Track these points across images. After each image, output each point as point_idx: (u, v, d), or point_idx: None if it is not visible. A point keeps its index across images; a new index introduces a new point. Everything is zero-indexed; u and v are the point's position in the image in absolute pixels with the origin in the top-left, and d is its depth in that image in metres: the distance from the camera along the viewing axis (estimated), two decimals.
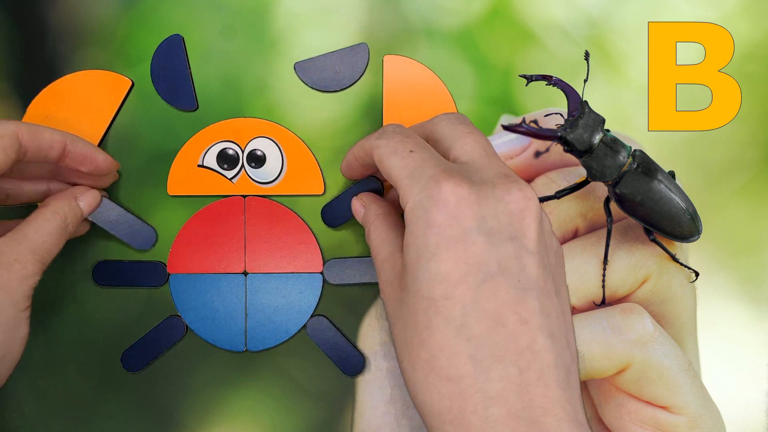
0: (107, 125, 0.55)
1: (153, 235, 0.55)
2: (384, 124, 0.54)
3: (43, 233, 0.49)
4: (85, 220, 0.53)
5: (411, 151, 0.46)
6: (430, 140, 0.48)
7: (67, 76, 0.54)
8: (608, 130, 0.48)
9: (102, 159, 0.52)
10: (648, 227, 0.49)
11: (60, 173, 0.53)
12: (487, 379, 0.41)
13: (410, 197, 0.44)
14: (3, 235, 0.49)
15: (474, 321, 0.42)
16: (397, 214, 0.50)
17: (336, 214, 0.55)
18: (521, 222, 0.44)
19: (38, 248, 0.49)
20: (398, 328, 0.44)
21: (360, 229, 0.55)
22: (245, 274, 0.55)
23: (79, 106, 0.54)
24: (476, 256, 0.42)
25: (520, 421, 0.41)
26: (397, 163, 0.46)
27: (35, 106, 0.54)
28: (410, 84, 0.54)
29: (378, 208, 0.50)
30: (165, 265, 0.55)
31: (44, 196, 0.53)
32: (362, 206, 0.52)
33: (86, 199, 0.52)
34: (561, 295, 0.45)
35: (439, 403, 0.42)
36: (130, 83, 0.55)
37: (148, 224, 0.55)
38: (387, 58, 0.54)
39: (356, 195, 0.52)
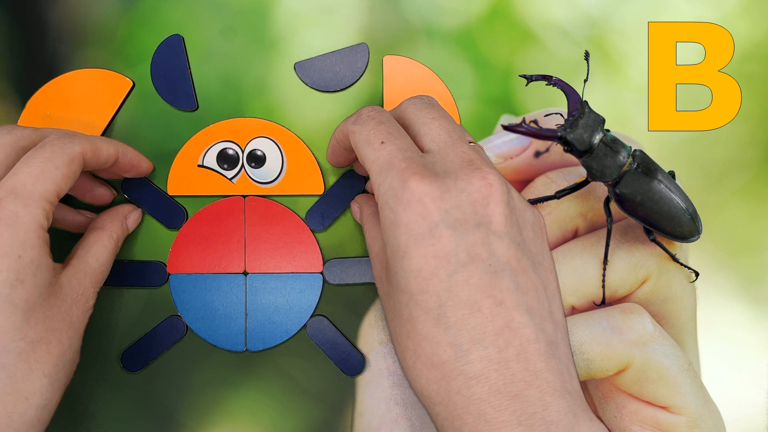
0: (106, 125, 0.55)
1: (183, 214, 0.55)
2: None
3: (102, 261, 0.51)
4: (140, 213, 0.55)
5: (382, 142, 0.46)
6: (401, 124, 0.49)
7: (68, 74, 0.54)
8: (608, 130, 0.48)
9: (146, 166, 0.54)
10: (648, 227, 0.49)
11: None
12: (466, 361, 0.43)
13: (379, 195, 0.45)
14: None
15: (450, 310, 0.43)
16: None
17: (325, 214, 0.55)
18: (486, 209, 0.44)
19: (99, 279, 0.50)
20: (389, 320, 0.46)
21: (359, 229, 0.55)
22: (245, 274, 0.55)
23: (78, 105, 0.54)
24: (444, 249, 0.43)
25: (501, 396, 0.42)
26: (369, 155, 0.46)
27: (34, 103, 0.54)
28: (410, 84, 0.54)
29: (369, 208, 0.51)
30: (165, 265, 0.55)
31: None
32: (358, 207, 0.53)
33: (133, 218, 0.54)
34: (541, 267, 0.46)
35: (428, 387, 0.44)
36: (131, 83, 0.55)
37: (179, 204, 0.55)
38: (387, 59, 0.54)
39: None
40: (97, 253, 0.51)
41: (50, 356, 0.46)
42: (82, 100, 0.54)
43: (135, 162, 0.53)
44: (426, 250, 0.44)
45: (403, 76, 0.54)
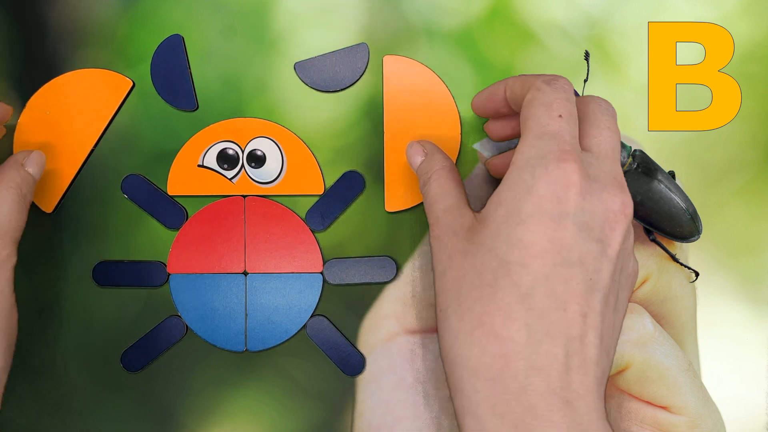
0: (106, 125, 0.55)
1: (183, 214, 0.55)
2: (384, 125, 0.54)
3: (5, 211, 0.49)
4: (41, 155, 0.52)
5: (560, 115, 0.45)
6: (578, 114, 0.48)
7: (69, 74, 0.54)
8: None
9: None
10: (648, 227, 0.49)
11: None
12: (535, 350, 0.42)
13: (525, 156, 0.44)
14: None
15: (539, 296, 0.43)
16: (458, 171, 0.50)
17: (325, 214, 0.55)
18: (612, 230, 0.44)
19: (6, 227, 0.48)
20: (452, 278, 0.45)
21: (359, 229, 0.55)
22: (245, 274, 0.55)
23: (78, 104, 0.54)
24: (563, 240, 0.43)
25: (556, 398, 0.42)
26: (540, 116, 0.45)
27: (35, 102, 0.54)
28: (410, 84, 0.54)
29: (444, 160, 0.50)
30: (165, 265, 0.55)
31: None
32: (423, 153, 0.51)
33: (33, 164, 0.51)
34: (618, 313, 0.45)
35: (480, 359, 0.43)
36: (131, 83, 0.55)
37: (179, 204, 0.55)
38: (387, 59, 0.54)
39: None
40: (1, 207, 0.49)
41: None
42: (82, 100, 0.54)
43: None
44: (546, 231, 0.43)
45: (403, 76, 0.54)
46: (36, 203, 0.54)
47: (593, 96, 0.48)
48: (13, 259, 0.48)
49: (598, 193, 0.44)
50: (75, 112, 0.54)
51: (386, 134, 0.54)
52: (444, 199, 0.48)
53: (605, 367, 0.44)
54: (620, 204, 0.44)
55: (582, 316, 0.43)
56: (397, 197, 0.54)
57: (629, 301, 0.49)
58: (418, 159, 0.51)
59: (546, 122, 0.45)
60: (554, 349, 0.42)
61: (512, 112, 0.50)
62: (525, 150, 0.44)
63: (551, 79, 0.47)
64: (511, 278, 0.43)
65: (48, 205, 0.55)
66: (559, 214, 0.43)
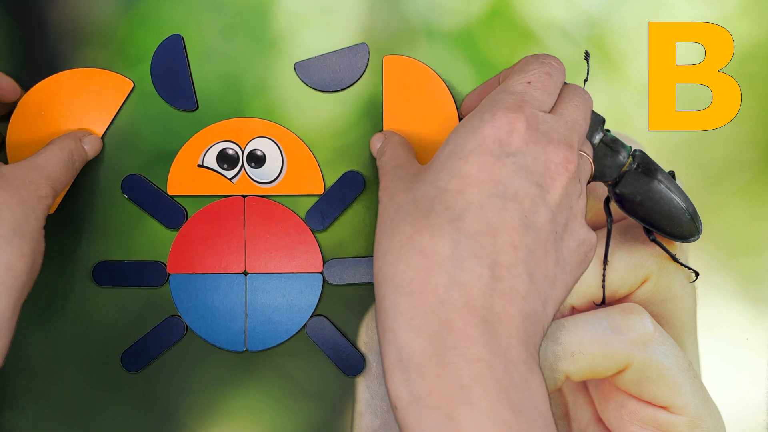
0: (106, 126, 0.55)
1: (183, 214, 0.55)
2: (384, 124, 0.54)
3: (52, 163, 0.51)
4: (100, 140, 0.55)
5: (529, 82, 0.47)
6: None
7: (65, 73, 0.54)
8: (608, 130, 0.48)
9: (5, 82, 0.54)
10: (648, 227, 0.49)
11: None
12: (459, 266, 0.42)
13: (480, 105, 0.46)
14: None
15: (471, 219, 0.43)
16: (413, 147, 0.52)
17: (325, 214, 0.55)
18: (552, 180, 0.44)
19: (50, 174, 0.50)
20: (391, 210, 0.45)
21: (359, 229, 0.55)
22: (245, 274, 0.55)
23: (77, 104, 0.54)
24: (500, 175, 0.43)
25: (475, 315, 0.41)
26: (511, 78, 0.47)
27: (29, 99, 0.54)
28: (411, 84, 0.54)
29: (399, 137, 0.52)
30: (165, 265, 0.55)
31: None
32: (383, 136, 0.53)
33: (90, 143, 0.54)
34: (560, 269, 0.45)
35: (403, 274, 0.43)
36: (132, 84, 0.55)
37: (179, 204, 0.55)
38: (387, 58, 0.54)
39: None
40: (45, 156, 0.51)
41: (3, 221, 0.47)
42: (80, 101, 0.54)
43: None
44: (484, 165, 0.44)
45: (403, 76, 0.54)
46: None
47: (576, 85, 0.49)
48: (49, 201, 0.50)
49: (542, 144, 0.44)
50: (73, 113, 0.54)
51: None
52: (395, 159, 0.49)
53: (536, 310, 0.43)
54: (563, 158, 0.45)
55: (512, 247, 0.43)
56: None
57: (630, 301, 0.49)
58: (377, 144, 0.53)
59: (513, 83, 0.46)
60: (478, 268, 0.42)
61: None
62: (485, 101, 0.46)
63: (543, 56, 0.48)
64: (446, 203, 0.43)
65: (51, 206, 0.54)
66: (499, 153, 0.44)
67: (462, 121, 0.46)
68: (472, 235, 0.42)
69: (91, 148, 0.54)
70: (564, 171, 0.44)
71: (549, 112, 0.46)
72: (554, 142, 0.44)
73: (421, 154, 0.54)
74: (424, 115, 0.54)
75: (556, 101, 0.47)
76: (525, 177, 0.44)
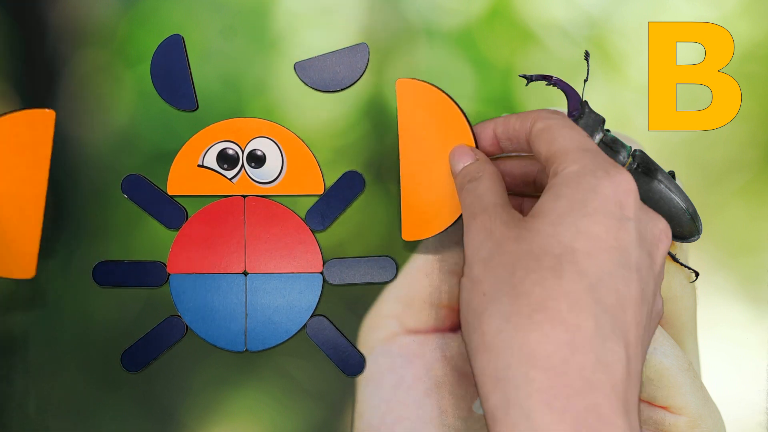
0: (48, 163, 0.53)
1: (183, 214, 0.55)
2: (400, 152, 0.53)
3: None
4: None
5: (588, 137, 0.45)
6: None
7: None
8: (608, 130, 0.48)
9: None
10: None
11: None
12: (602, 345, 0.40)
13: (578, 164, 0.44)
14: None
15: (605, 290, 0.41)
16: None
17: (325, 214, 0.55)
18: (657, 248, 0.44)
19: None
20: (501, 263, 0.42)
21: (359, 229, 0.55)
22: (245, 274, 0.55)
23: (11, 152, 0.53)
24: (626, 241, 0.42)
25: (619, 401, 0.40)
26: (573, 136, 0.45)
27: None
28: (425, 109, 0.53)
29: (495, 167, 0.49)
30: (165, 265, 0.55)
31: None
32: (474, 157, 0.50)
33: None
34: (645, 338, 0.43)
35: (539, 345, 0.40)
36: (53, 114, 0.53)
37: (179, 204, 0.55)
38: (400, 82, 0.53)
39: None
40: None
41: None
42: (13, 148, 0.52)
43: None
44: (611, 228, 0.42)
45: (417, 102, 0.53)
46: (12, 277, 0.52)
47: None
48: None
49: (647, 210, 0.44)
50: (11, 161, 0.52)
51: (402, 161, 0.53)
52: (496, 195, 0.46)
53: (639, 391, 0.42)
54: (664, 224, 0.44)
55: (636, 323, 0.41)
56: (415, 226, 0.53)
57: None
58: (467, 161, 0.50)
59: (583, 139, 0.45)
60: (618, 348, 0.40)
61: (498, 151, 0.50)
62: (573, 160, 0.44)
63: (554, 111, 0.47)
64: (577, 265, 0.41)
65: (27, 271, 0.53)
66: (621, 216, 0.42)
67: (563, 175, 0.44)
68: (608, 309, 0.41)
69: None
70: (666, 239, 0.44)
71: None
72: (650, 210, 0.44)
73: (441, 182, 0.52)
74: (441, 140, 0.52)
75: None
76: (642, 245, 0.43)
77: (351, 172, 0.55)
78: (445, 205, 0.52)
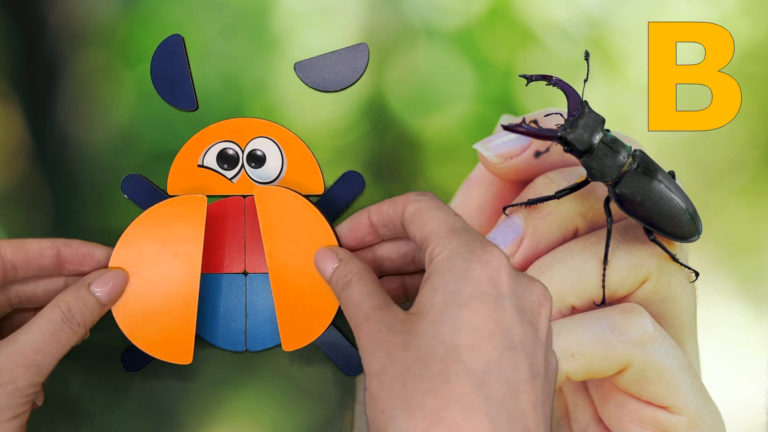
0: (201, 248, 0.52)
1: None
2: (267, 260, 0.52)
3: (32, 338, 0.45)
4: (119, 276, 0.49)
5: (455, 214, 0.46)
6: None
7: (139, 219, 0.52)
8: (608, 130, 0.48)
9: (101, 254, 0.50)
10: (648, 227, 0.49)
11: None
12: None
13: (448, 248, 0.44)
14: None
15: (494, 382, 0.41)
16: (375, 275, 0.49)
17: (325, 213, 0.55)
18: (539, 315, 0.44)
19: (29, 356, 0.45)
20: (394, 373, 0.42)
21: None
22: (245, 274, 0.55)
23: (166, 238, 0.52)
24: (505, 322, 0.42)
25: None
26: (441, 217, 0.45)
27: (116, 261, 0.51)
28: (285, 215, 0.52)
29: (361, 263, 0.48)
30: None
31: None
32: (337, 259, 0.49)
33: (102, 285, 0.48)
34: (548, 405, 0.43)
35: None
36: (205, 200, 0.52)
37: None
38: (258, 191, 0.52)
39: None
40: (30, 326, 0.45)
41: None
42: (166, 238, 0.52)
43: (85, 253, 0.49)
44: (489, 312, 0.42)
45: (277, 208, 0.52)
46: (170, 361, 0.51)
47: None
48: (31, 389, 0.44)
49: (520, 279, 0.44)
50: (161, 256, 0.51)
51: (271, 273, 0.52)
52: (371, 298, 0.45)
53: None
54: (541, 289, 0.44)
55: (532, 404, 0.41)
56: (294, 334, 0.53)
57: (630, 301, 0.49)
58: (331, 265, 0.49)
59: (451, 219, 0.45)
60: None
61: (377, 239, 0.51)
62: (444, 243, 0.44)
63: (422, 194, 0.47)
64: (464, 364, 0.40)
65: (185, 356, 0.51)
66: (497, 295, 0.42)
67: (437, 265, 0.43)
68: (500, 402, 0.40)
69: (106, 290, 0.48)
70: (546, 302, 0.44)
71: None
72: (523, 275, 0.44)
73: (311, 285, 0.52)
74: (305, 246, 0.52)
75: None
76: (523, 319, 0.42)
77: (351, 172, 0.55)
78: (319, 307, 0.52)
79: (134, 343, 0.51)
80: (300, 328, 0.53)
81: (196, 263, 0.52)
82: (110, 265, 0.50)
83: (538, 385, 0.42)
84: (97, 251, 0.50)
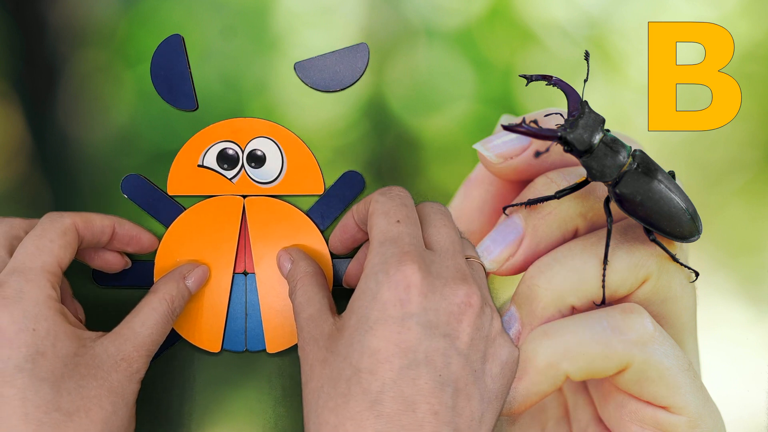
0: (235, 247, 0.54)
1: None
2: (255, 268, 0.55)
3: (149, 325, 0.50)
4: (206, 271, 0.54)
5: (398, 221, 0.47)
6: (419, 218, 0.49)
7: (181, 218, 0.55)
8: (608, 130, 0.48)
9: (147, 239, 0.54)
10: (648, 227, 0.49)
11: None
12: None
13: (369, 265, 0.46)
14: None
15: (388, 400, 0.43)
16: (324, 275, 0.52)
17: (325, 214, 0.55)
18: (458, 323, 0.45)
19: (144, 342, 0.49)
20: (313, 388, 0.45)
21: None
22: (245, 274, 0.55)
23: (205, 235, 0.55)
24: (407, 342, 0.44)
25: None
26: (382, 225, 0.47)
27: (162, 255, 0.54)
28: (275, 224, 0.54)
29: (307, 266, 0.52)
30: None
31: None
32: (290, 261, 0.53)
33: (194, 278, 0.53)
34: (485, 402, 0.45)
35: None
36: (242, 200, 0.54)
37: (178, 204, 0.55)
38: (248, 202, 0.54)
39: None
40: (143, 317, 0.50)
41: (92, 423, 0.46)
42: (204, 234, 0.55)
43: (134, 234, 0.53)
44: (391, 335, 0.44)
45: (267, 216, 0.54)
46: (200, 345, 0.54)
47: (426, 201, 0.50)
48: (143, 372, 0.49)
49: (440, 290, 0.45)
50: (201, 251, 0.54)
51: (258, 281, 0.54)
52: (307, 307, 0.49)
53: None
54: (463, 295, 0.45)
55: (433, 414, 0.43)
56: (277, 337, 0.54)
57: (630, 301, 0.49)
58: (286, 266, 0.53)
59: (386, 228, 0.47)
60: None
61: (365, 235, 0.52)
62: (371, 257, 0.46)
63: (386, 190, 0.49)
64: (362, 386, 0.44)
65: (214, 344, 0.55)
66: (402, 316, 0.44)
67: (360, 282, 0.46)
68: (392, 418, 0.43)
69: (195, 284, 0.53)
70: (468, 308, 0.45)
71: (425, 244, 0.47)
72: (449, 282, 0.46)
73: None
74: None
75: (421, 223, 0.48)
76: (431, 334, 0.44)
77: (351, 172, 0.55)
78: None
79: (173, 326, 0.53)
80: (284, 331, 0.54)
81: (230, 259, 0.54)
82: (158, 253, 0.54)
83: (447, 392, 0.44)
84: (144, 235, 0.54)
